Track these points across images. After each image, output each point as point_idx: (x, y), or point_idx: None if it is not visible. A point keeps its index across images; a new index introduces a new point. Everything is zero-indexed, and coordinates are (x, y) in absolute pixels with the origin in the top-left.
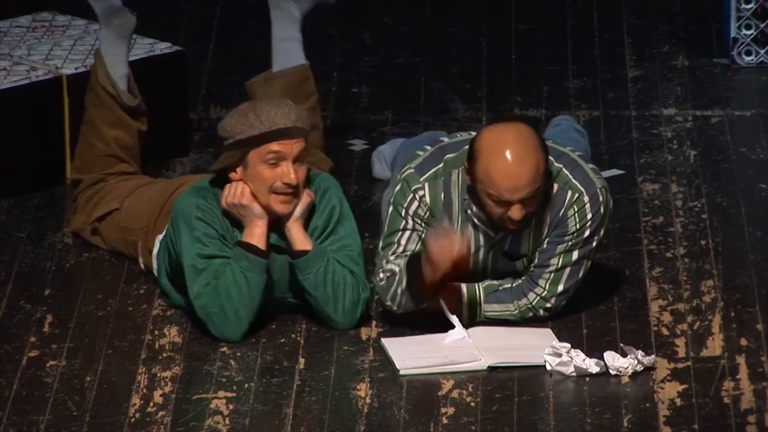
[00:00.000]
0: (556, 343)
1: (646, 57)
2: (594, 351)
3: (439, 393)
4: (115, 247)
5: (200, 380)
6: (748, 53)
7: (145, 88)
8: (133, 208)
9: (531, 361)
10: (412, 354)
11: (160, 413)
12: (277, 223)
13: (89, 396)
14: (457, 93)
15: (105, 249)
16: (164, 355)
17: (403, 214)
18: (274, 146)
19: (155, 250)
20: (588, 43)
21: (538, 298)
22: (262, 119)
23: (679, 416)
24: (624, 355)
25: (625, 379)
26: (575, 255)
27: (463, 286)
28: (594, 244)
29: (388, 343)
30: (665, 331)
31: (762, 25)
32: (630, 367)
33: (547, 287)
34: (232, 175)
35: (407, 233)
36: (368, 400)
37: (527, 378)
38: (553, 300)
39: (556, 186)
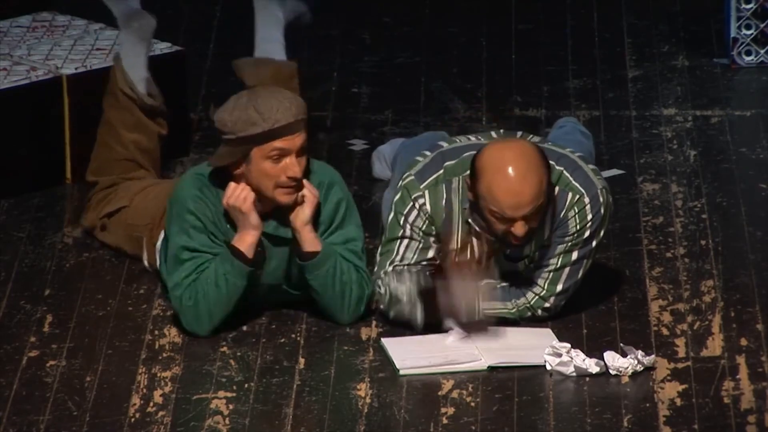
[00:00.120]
0: (555, 343)
1: (646, 57)
2: (594, 351)
3: (439, 393)
4: (121, 244)
5: (200, 380)
6: (748, 53)
7: None
8: (140, 206)
9: (531, 361)
10: (412, 354)
11: (160, 413)
12: (277, 211)
13: (89, 396)
14: (457, 93)
15: (108, 247)
16: (164, 355)
17: (402, 223)
18: (278, 143)
19: (159, 243)
20: (588, 43)
21: (537, 297)
22: (264, 117)
23: (679, 416)
24: (624, 355)
25: (625, 379)
26: (575, 255)
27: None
28: (594, 244)
29: (388, 343)
30: (665, 331)
31: (762, 25)
32: (630, 367)
33: (546, 287)
34: (235, 171)
35: (405, 242)
36: (368, 400)
37: (527, 378)
38: (551, 300)
39: (557, 188)
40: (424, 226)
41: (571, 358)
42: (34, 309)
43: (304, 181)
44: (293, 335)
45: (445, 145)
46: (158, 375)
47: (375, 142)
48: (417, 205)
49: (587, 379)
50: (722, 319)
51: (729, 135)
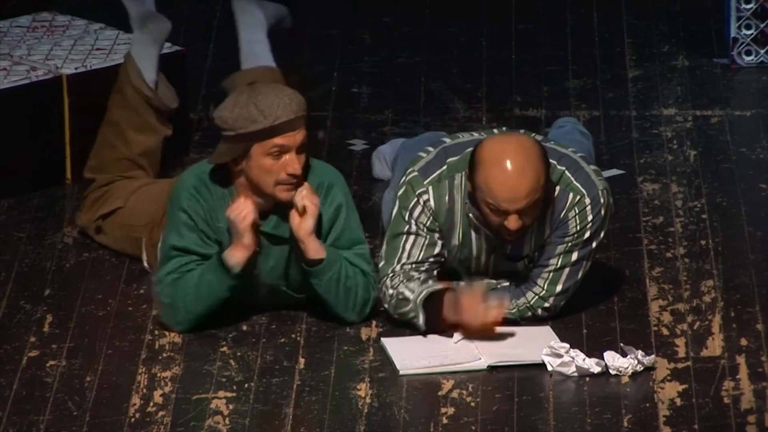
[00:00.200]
0: (555, 343)
1: (646, 57)
2: (594, 351)
3: (439, 393)
4: (119, 245)
5: (200, 380)
6: (748, 53)
7: None
8: (136, 206)
9: (531, 361)
10: (412, 354)
11: (160, 413)
12: (278, 208)
13: (89, 396)
14: (457, 93)
15: (108, 248)
16: (164, 355)
17: (406, 218)
18: (278, 140)
19: (161, 243)
20: (588, 43)
21: (537, 297)
22: (265, 113)
23: (679, 416)
24: (624, 355)
25: (625, 379)
26: (575, 256)
27: (462, 284)
28: (594, 245)
29: (388, 343)
30: (665, 331)
31: (762, 25)
32: (630, 367)
33: (545, 287)
34: (235, 168)
35: (411, 238)
36: (368, 400)
37: (527, 378)
38: (551, 300)
39: (558, 188)
40: (428, 222)
41: (572, 358)
42: (34, 309)
43: (305, 190)
44: (293, 335)
45: (447, 140)
46: (158, 375)
47: (375, 142)
48: (421, 201)
49: (587, 379)
50: (722, 319)
51: (729, 135)
